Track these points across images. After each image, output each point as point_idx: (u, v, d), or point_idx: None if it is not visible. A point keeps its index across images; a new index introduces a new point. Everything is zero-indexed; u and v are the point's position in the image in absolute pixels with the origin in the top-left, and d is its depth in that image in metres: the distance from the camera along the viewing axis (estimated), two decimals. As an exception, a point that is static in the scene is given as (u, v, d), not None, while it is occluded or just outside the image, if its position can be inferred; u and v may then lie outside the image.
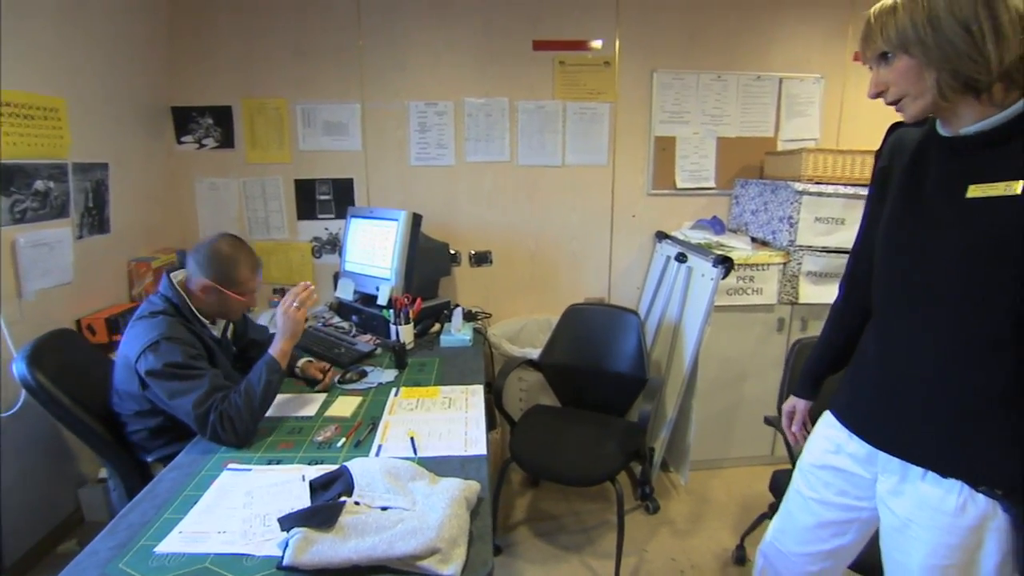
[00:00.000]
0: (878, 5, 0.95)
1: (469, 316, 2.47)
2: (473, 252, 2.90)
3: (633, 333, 2.30)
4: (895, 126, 1.13)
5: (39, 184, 1.92)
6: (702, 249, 2.40)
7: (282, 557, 1.02)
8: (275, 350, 1.60)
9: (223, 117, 2.69)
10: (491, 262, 2.92)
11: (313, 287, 1.69)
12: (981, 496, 0.96)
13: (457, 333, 2.26)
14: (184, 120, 2.69)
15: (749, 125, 2.89)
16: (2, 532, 1.88)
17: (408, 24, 2.68)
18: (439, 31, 2.69)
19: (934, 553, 1.01)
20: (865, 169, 2.45)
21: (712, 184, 2.92)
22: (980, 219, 0.91)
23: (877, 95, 0.99)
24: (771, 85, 2.87)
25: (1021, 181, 0.86)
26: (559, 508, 2.44)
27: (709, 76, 2.82)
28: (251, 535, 1.12)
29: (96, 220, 2.23)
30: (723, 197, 2.96)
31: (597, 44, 2.75)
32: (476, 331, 2.36)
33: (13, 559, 1.94)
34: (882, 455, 1.09)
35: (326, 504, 1.12)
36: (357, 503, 1.13)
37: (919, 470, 1.03)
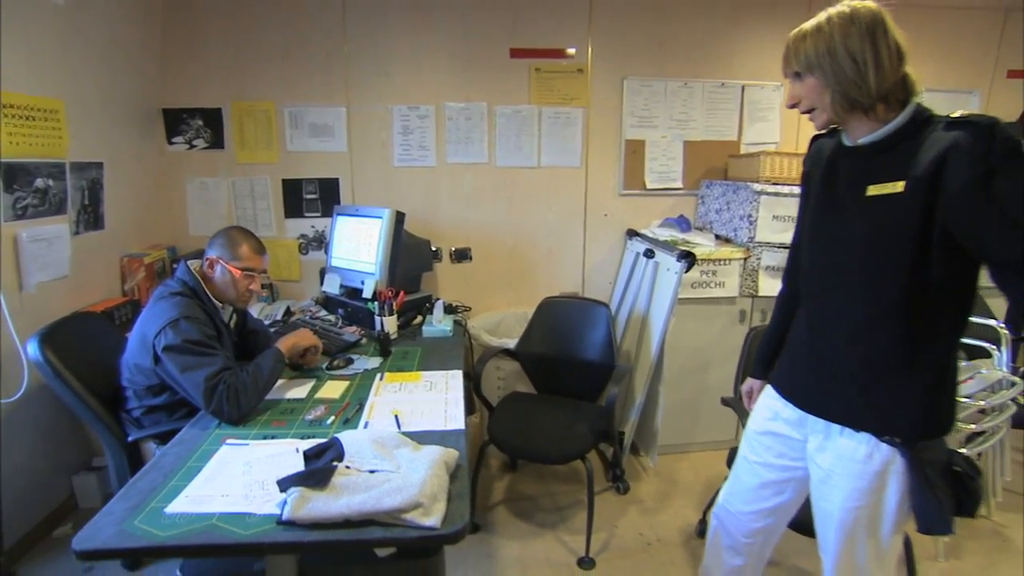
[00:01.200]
0: (794, 31, 1.13)
1: (450, 309, 2.61)
2: (454, 249, 3.04)
3: (603, 324, 2.46)
4: (815, 137, 1.31)
5: (39, 182, 2.02)
6: (668, 245, 2.57)
7: (281, 513, 1.15)
8: (282, 345, 1.79)
9: (213, 119, 2.80)
10: (471, 258, 3.06)
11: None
12: (884, 445, 1.13)
13: (438, 324, 2.40)
14: (175, 121, 2.79)
15: (714, 129, 3.08)
16: (2, 516, 1.97)
17: (391, 31, 2.81)
18: (421, 39, 2.83)
19: (849, 496, 1.18)
20: (818, 171, 2.64)
21: (680, 185, 3.10)
22: (876, 212, 1.09)
23: (793, 106, 1.17)
24: (734, 92, 3.05)
25: (902, 181, 1.04)
26: (535, 489, 2.59)
27: (676, 83, 3.00)
28: (252, 497, 1.24)
29: (92, 217, 2.33)
30: (690, 197, 3.14)
31: (571, 52, 2.91)
32: (456, 323, 2.50)
33: (12, 542, 2.02)
34: (810, 418, 1.26)
35: (320, 468, 1.25)
36: (348, 467, 1.26)
37: (838, 427, 1.20)
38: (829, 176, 1.22)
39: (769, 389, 1.41)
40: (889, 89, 1.06)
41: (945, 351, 1.12)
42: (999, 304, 2.87)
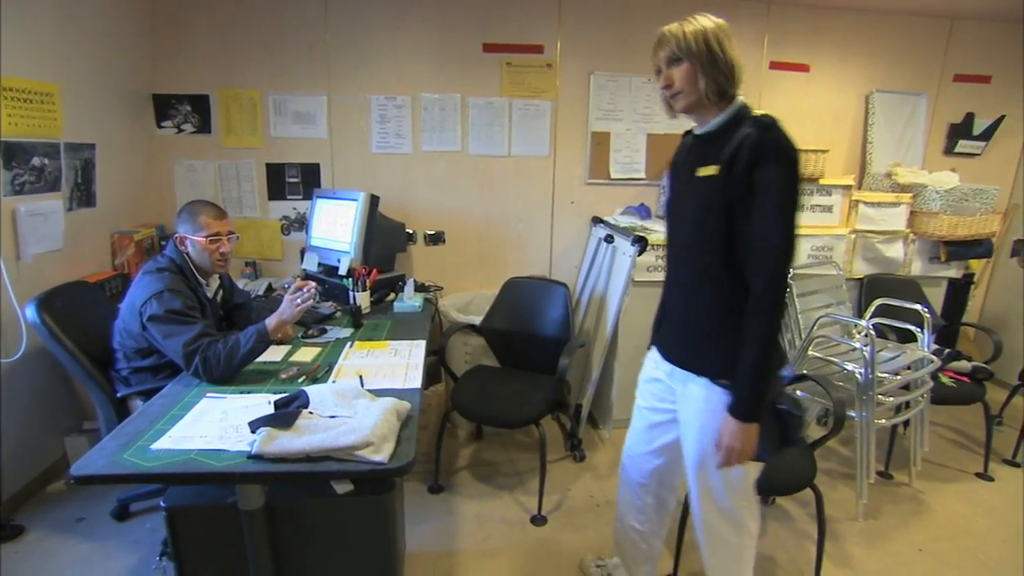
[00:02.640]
0: (673, 25, 1.31)
1: (421, 287, 2.79)
2: (428, 232, 3.22)
3: (561, 302, 2.65)
4: (686, 133, 1.49)
5: (36, 160, 2.18)
6: (625, 231, 2.76)
7: (251, 449, 1.34)
8: (270, 323, 1.84)
9: (201, 105, 2.95)
10: (444, 241, 3.24)
11: (314, 289, 1.93)
12: (718, 387, 1.34)
13: (409, 301, 2.58)
14: (164, 106, 2.94)
15: (676, 124, 3.23)
16: (1, 469, 2.14)
17: (371, 24, 2.97)
18: (399, 32, 2.99)
19: (696, 431, 1.41)
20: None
21: (643, 175, 3.29)
22: (700, 191, 1.31)
23: (666, 87, 1.34)
24: (695, 89, 3.23)
25: (717, 165, 1.26)
26: (498, 457, 2.79)
27: (641, 79, 3.18)
28: (226, 438, 1.42)
29: (84, 195, 2.49)
30: (653, 187, 3.33)
31: (541, 47, 3.08)
32: (427, 300, 2.68)
33: (8, 495, 2.19)
34: (675, 368, 1.47)
35: (286, 412, 1.43)
36: (311, 413, 1.45)
37: (689, 374, 1.42)
38: (683, 161, 1.43)
39: (654, 346, 1.62)
40: (737, 84, 1.28)
41: (740, 307, 1.29)
42: (932, 293, 3.10)
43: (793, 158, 1.20)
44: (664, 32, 1.32)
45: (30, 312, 1.85)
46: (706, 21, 1.28)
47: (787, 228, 1.21)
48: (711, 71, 1.26)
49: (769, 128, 1.20)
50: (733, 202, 1.23)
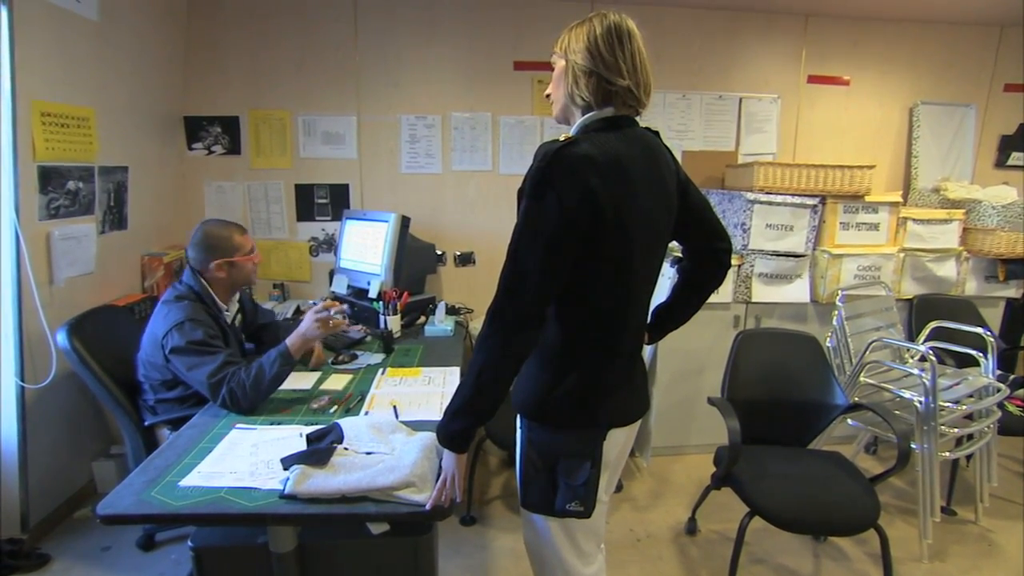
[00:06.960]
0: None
1: (452, 310, 2.72)
2: (458, 253, 3.15)
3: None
4: None
5: (71, 184, 2.17)
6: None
7: (283, 488, 1.26)
8: (291, 342, 1.76)
9: (231, 126, 2.95)
10: (475, 263, 3.17)
11: (344, 314, 1.87)
12: (523, 420, 1.26)
13: (440, 324, 2.50)
14: (195, 128, 2.95)
15: (712, 140, 3.17)
16: (28, 496, 2.11)
17: (401, 44, 2.95)
18: (429, 51, 2.96)
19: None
20: (811, 181, 2.72)
21: (678, 193, 3.19)
22: None
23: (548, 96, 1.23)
24: (732, 104, 3.14)
25: None
26: (532, 485, 2.67)
27: (675, 95, 3.10)
28: (257, 475, 1.35)
29: (116, 217, 2.48)
30: (688, 205, 3.22)
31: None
32: (458, 323, 2.61)
33: (35, 521, 2.15)
34: None
35: (321, 448, 1.36)
36: (346, 449, 1.37)
37: None
38: None
39: None
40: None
41: (555, 349, 1.19)
42: (989, 314, 2.93)
43: (541, 192, 1.02)
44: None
45: (61, 338, 1.81)
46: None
47: (512, 269, 1.07)
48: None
49: (540, 155, 1.05)
50: None
